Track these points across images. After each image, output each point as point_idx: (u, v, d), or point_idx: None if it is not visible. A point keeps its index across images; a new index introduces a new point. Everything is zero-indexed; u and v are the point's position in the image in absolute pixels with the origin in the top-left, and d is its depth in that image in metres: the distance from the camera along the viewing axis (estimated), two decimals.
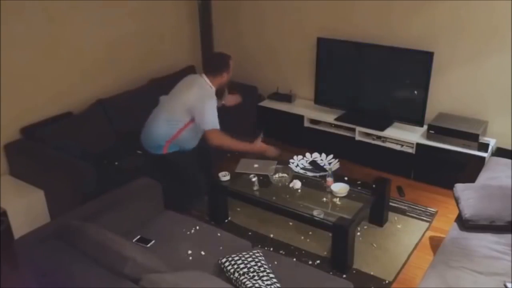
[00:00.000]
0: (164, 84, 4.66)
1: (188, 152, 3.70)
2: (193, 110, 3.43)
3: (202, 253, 2.81)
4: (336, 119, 4.68)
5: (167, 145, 3.60)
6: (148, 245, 2.83)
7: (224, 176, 3.67)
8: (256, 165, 3.75)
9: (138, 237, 2.90)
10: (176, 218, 3.15)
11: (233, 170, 3.74)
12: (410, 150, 4.31)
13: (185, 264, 2.69)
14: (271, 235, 3.66)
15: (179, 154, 3.65)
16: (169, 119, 3.55)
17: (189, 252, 2.81)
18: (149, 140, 3.66)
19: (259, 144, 3.69)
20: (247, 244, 2.96)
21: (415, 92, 4.27)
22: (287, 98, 5.08)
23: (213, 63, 3.66)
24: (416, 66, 4.22)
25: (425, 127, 4.26)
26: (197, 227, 3.03)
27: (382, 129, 4.45)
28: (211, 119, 3.39)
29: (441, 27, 4.16)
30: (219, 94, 3.69)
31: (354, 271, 3.28)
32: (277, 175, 3.62)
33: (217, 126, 3.42)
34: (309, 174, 3.70)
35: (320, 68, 4.76)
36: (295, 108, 4.99)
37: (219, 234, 3.01)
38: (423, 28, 4.24)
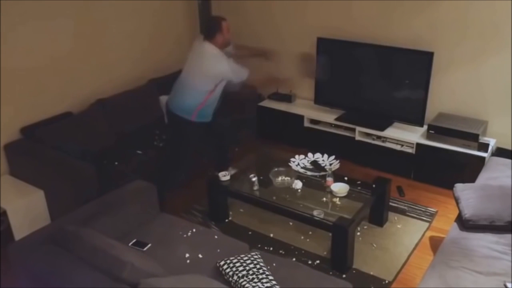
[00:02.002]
0: (163, 84, 4.68)
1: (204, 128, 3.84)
2: (220, 76, 3.60)
3: (200, 256, 2.80)
4: (336, 119, 4.68)
5: (196, 112, 3.71)
6: (145, 249, 2.82)
7: (224, 176, 3.67)
8: None
9: (134, 240, 2.88)
10: (172, 221, 3.13)
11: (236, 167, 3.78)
12: (410, 150, 4.31)
13: (183, 268, 2.68)
14: (271, 235, 3.66)
15: (200, 127, 3.78)
16: (196, 91, 3.68)
17: (187, 255, 2.79)
18: (177, 105, 3.76)
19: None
20: (244, 246, 2.96)
21: (415, 92, 4.27)
22: (287, 98, 5.08)
23: (206, 28, 3.76)
24: (416, 66, 4.21)
25: (425, 127, 4.25)
26: (194, 230, 3.02)
27: (382, 129, 4.45)
28: (240, 71, 3.68)
29: (441, 27, 4.15)
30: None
31: (354, 271, 3.28)
32: (279, 179, 3.61)
33: (247, 72, 3.74)
34: (309, 173, 3.70)
35: (320, 68, 4.75)
36: (295, 108, 4.99)
37: (216, 237, 3.00)
38: (423, 28, 4.24)
